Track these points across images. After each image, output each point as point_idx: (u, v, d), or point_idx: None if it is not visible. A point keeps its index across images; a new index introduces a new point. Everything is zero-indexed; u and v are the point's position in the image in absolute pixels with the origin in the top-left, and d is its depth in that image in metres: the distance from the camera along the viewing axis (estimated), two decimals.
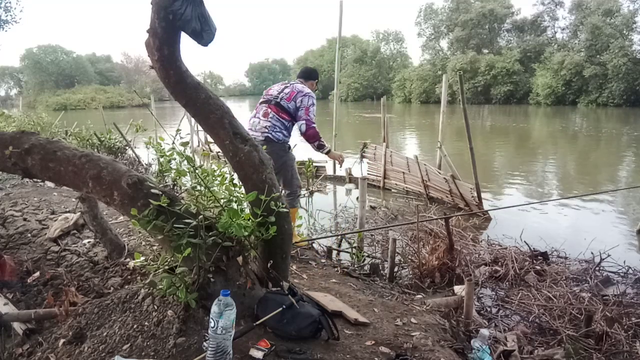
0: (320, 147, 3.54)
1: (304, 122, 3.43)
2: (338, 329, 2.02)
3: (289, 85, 3.64)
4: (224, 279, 2.02)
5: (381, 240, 5.18)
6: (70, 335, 2.01)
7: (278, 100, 3.53)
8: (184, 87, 1.98)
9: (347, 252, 4.58)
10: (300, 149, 5.02)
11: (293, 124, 3.55)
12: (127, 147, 9.30)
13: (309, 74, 3.79)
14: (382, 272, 4.02)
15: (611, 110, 29.40)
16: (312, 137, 3.47)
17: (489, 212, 6.25)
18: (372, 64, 53.29)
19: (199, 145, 12.53)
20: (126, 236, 3.68)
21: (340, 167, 4.32)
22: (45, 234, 3.56)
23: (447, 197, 7.05)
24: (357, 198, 5.09)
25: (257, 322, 1.92)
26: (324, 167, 9.13)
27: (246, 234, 1.98)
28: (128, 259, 3.05)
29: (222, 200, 2.04)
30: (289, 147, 3.61)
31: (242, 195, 2.10)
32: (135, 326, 1.91)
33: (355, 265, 4.15)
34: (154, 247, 3.20)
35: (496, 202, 7.66)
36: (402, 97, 46.52)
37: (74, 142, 7.62)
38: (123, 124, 10.33)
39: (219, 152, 8.64)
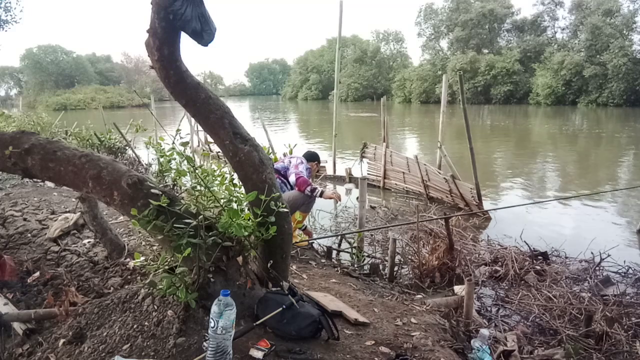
0: (313, 191, 3.81)
1: (293, 173, 3.89)
2: (338, 329, 2.02)
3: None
4: (224, 279, 2.02)
5: (381, 240, 5.18)
6: (70, 335, 2.01)
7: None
8: (184, 87, 1.98)
9: (347, 252, 4.58)
10: (300, 148, 5.02)
11: (286, 181, 4.00)
12: (127, 147, 9.29)
13: (310, 157, 4.31)
14: (382, 272, 4.02)
15: (611, 110, 29.40)
16: (302, 184, 3.81)
17: (488, 212, 6.25)
18: (372, 64, 53.31)
19: (199, 145, 12.52)
20: (126, 236, 3.68)
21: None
22: (45, 234, 3.55)
23: (447, 197, 7.05)
24: (357, 198, 5.09)
25: (257, 322, 1.92)
26: (324, 167, 9.13)
27: (246, 234, 1.98)
28: (128, 259, 3.05)
29: (222, 200, 2.04)
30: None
31: (242, 195, 2.10)
32: (135, 326, 1.91)
33: (355, 265, 4.15)
34: (154, 247, 3.20)
35: (496, 202, 7.66)
36: (402, 97, 46.53)
37: (74, 142, 7.62)
38: (123, 124, 10.31)
39: (219, 152, 8.64)
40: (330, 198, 3.91)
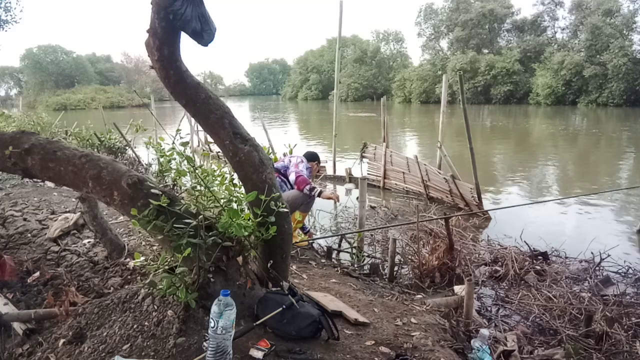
0: (311, 190, 3.83)
1: (293, 172, 3.91)
2: (338, 329, 2.02)
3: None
4: (224, 279, 2.02)
5: (381, 240, 5.18)
6: (70, 335, 2.01)
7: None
8: (184, 87, 1.98)
9: (347, 252, 4.58)
10: (300, 148, 5.03)
11: (286, 180, 4.03)
12: (127, 147, 9.29)
13: (310, 157, 4.34)
14: (382, 272, 4.02)
15: (611, 110, 29.40)
16: (301, 182, 3.83)
17: (489, 212, 6.24)
18: (372, 64, 53.31)
19: (199, 145, 12.52)
20: (126, 236, 3.68)
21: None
22: (45, 234, 3.55)
23: (447, 197, 7.05)
24: (357, 198, 5.09)
25: (257, 322, 1.92)
26: (324, 167, 9.13)
27: (246, 234, 1.98)
28: (128, 259, 3.05)
29: (222, 200, 2.04)
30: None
31: (242, 195, 2.10)
32: (135, 326, 1.91)
33: (355, 265, 4.15)
34: (154, 247, 3.20)
35: (496, 202, 7.66)
36: (402, 97, 46.52)
37: (74, 142, 7.62)
38: (123, 124, 10.32)
39: (219, 152, 8.64)
40: (329, 198, 3.91)
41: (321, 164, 9.13)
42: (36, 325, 2.30)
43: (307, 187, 3.78)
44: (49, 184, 5.55)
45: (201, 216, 1.89)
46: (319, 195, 3.83)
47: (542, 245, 4.72)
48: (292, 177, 3.91)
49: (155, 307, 1.97)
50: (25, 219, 3.89)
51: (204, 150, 11.80)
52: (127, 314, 2.02)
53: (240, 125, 2.14)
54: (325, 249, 4.29)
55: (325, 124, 22.37)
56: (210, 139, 2.22)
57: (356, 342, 2.05)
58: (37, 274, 2.97)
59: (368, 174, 8.76)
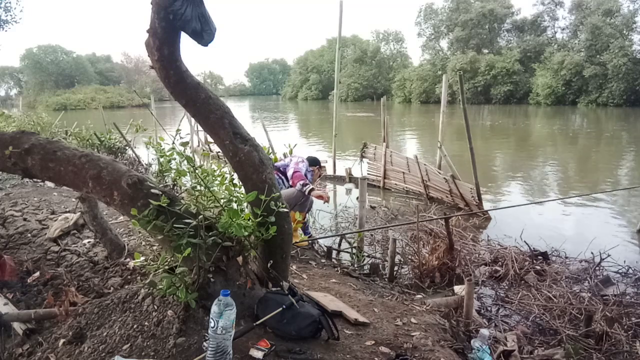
0: (304, 186, 3.93)
1: (292, 168, 4.07)
2: (338, 329, 2.02)
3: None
4: (224, 279, 2.02)
5: (381, 240, 5.18)
6: (70, 335, 2.01)
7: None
8: (184, 87, 1.98)
9: (347, 252, 4.58)
10: (300, 148, 5.04)
11: (285, 178, 4.14)
12: (127, 147, 9.29)
13: (312, 161, 4.49)
14: (382, 272, 4.02)
15: (611, 110, 29.40)
16: (297, 177, 3.99)
17: (488, 212, 6.25)
18: (372, 64, 53.31)
19: (199, 145, 12.52)
20: (126, 236, 3.68)
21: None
22: (45, 234, 3.55)
23: (447, 197, 7.05)
24: (357, 198, 5.09)
25: (257, 322, 1.92)
26: (324, 166, 9.12)
27: (246, 234, 1.98)
28: (128, 259, 3.05)
29: (222, 200, 2.04)
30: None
31: (242, 195, 2.10)
32: (135, 326, 1.91)
33: (355, 265, 4.15)
34: (154, 247, 3.20)
35: (496, 202, 7.66)
36: (402, 97, 46.52)
37: (74, 142, 7.62)
38: (123, 124, 10.32)
39: (219, 152, 8.64)
40: (320, 197, 3.93)
41: (321, 164, 9.15)
42: (36, 325, 2.30)
43: (301, 182, 3.86)
44: (49, 184, 5.55)
45: (201, 216, 1.89)
46: (309, 193, 3.87)
47: (542, 245, 4.72)
48: (289, 173, 4.00)
49: (155, 307, 1.97)
50: (25, 219, 3.89)
51: (204, 150, 11.80)
52: (127, 314, 2.02)
53: (240, 125, 2.14)
54: (325, 249, 4.29)
55: (325, 124, 22.38)
56: (210, 139, 2.22)
57: (356, 342, 2.05)
58: (37, 274, 2.97)
59: (368, 174, 8.76)
